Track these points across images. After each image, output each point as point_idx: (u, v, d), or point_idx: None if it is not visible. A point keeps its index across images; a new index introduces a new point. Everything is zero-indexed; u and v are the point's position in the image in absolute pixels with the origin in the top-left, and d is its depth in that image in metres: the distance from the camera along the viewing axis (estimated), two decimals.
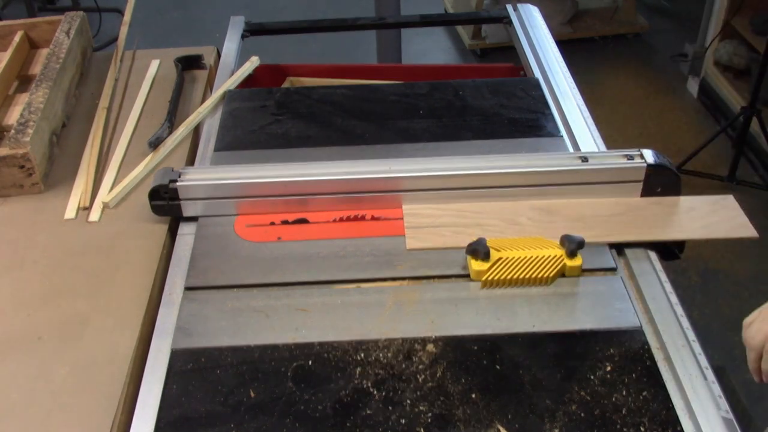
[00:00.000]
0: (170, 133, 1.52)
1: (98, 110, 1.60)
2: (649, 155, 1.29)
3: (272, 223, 1.28)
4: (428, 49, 3.96)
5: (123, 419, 0.99)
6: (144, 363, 1.05)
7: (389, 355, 1.04)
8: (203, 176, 1.29)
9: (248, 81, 1.74)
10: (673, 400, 0.98)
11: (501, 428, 0.94)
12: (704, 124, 3.40)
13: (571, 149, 1.45)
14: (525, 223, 1.25)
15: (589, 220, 1.25)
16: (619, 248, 1.22)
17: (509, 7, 1.99)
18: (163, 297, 1.15)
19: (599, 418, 0.95)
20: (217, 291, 1.15)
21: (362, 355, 1.04)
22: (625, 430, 0.94)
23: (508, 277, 1.14)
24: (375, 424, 0.95)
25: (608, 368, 1.02)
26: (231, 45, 1.85)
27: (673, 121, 3.39)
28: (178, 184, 1.26)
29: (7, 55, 1.67)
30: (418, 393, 0.99)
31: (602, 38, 4.00)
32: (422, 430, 0.94)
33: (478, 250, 1.14)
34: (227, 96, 1.63)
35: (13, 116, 1.54)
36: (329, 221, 1.28)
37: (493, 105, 1.57)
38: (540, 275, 1.14)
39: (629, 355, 1.04)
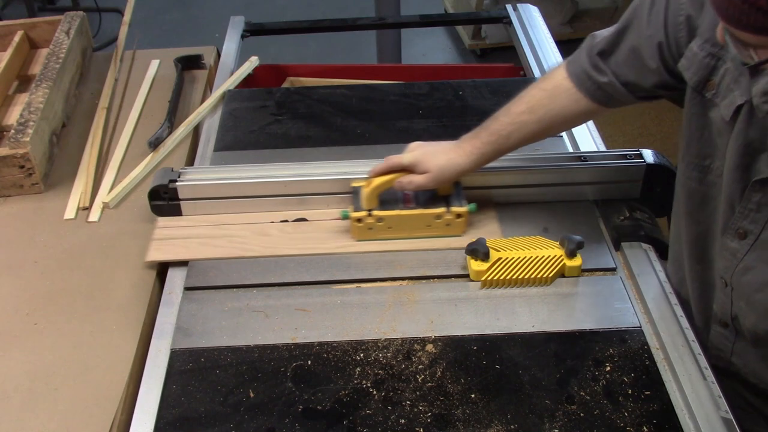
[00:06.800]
0: (170, 133, 1.52)
1: (98, 110, 1.60)
2: (648, 155, 1.29)
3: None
4: (428, 49, 3.96)
5: (123, 419, 0.99)
6: (144, 363, 1.05)
7: (389, 355, 1.04)
8: (203, 176, 1.29)
9: (248, 81, 1.74)
10: (672, 400, 0.98)
11: None
12: None
13: (570, 149, 1.45)
14: (275, 234, 1.24)
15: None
16: (618, 247, 1.23)
17: (509, 7, 1.99)
18: (163, 297, 1.15)
19: (598, 418, 0.95)
20: (217, 291, 1.15)
21: (362, 355, 1.04)
22: (624, 430, 0.94)
23: (508, 277, 1.14)
24: (374, 423, 0.95)
25: (608, 368, 1.02)
26: (231, 45, 1.85)
27: (673, 121, 3.38)
28: (177, 184, 1.26)
29: (7, 55, 1.67)
30: (418, 393, 0.99)
31: None
32: (422, 429, 0.94)
33: (478, 250, 1.14)
34: (227, 96, 1.63)
35: (13, 116, 1.54)
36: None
37: (493, 105, 1.56)
38: (539, 275, 1.14)
39: (629, 355, 1.04)
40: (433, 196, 1.24)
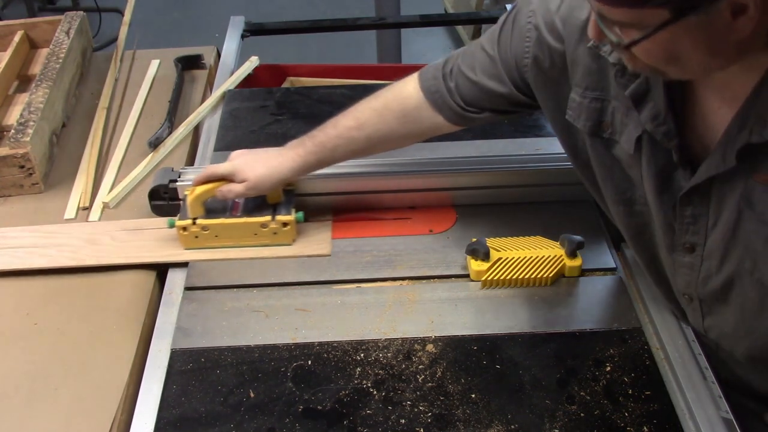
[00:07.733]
0: (170, 133, 1.52)
1: (98, 110, 1.60)
2: None
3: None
4: (428, 49, 3.96)
5: (123, 419, 0.99)
6: (144, 363, 1.05)
7: (389, 355, 1.04)
8: None
9: (248, 81, 1.74)
10: (673, 400, 0.98)
11: None
12: None
13: None
14: (107, 243, 1.24)
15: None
16: (618, 247, 1.23)
17: (509, 8, 1.98)
18: (163, 297, 1.16)
19: (599, 419, 0.95)
20: (217, 291, 1.15)
21: (362, 355, 1.04)
22: (624, 430, 0.94)
23: (508, 277, 1.14)
24: (375, 423, 0.95)
25: (608, 368, 1.02)
26: (231, 45, 1.85)
27: None
28: (177, 184, 1.27)
29: (7, 55, 1.67)
30: (418, 393, 0.99)
31: None
32: (422, 429, 0.94)
33: (478, 250, 1.14)
34: (227, 96, 1.63)
35: (13, 116, 1.54)
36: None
37: None
38: (540, 275, 1.14)
39: (629, 355, 1.04)
40: (262, 203, 1.22)
